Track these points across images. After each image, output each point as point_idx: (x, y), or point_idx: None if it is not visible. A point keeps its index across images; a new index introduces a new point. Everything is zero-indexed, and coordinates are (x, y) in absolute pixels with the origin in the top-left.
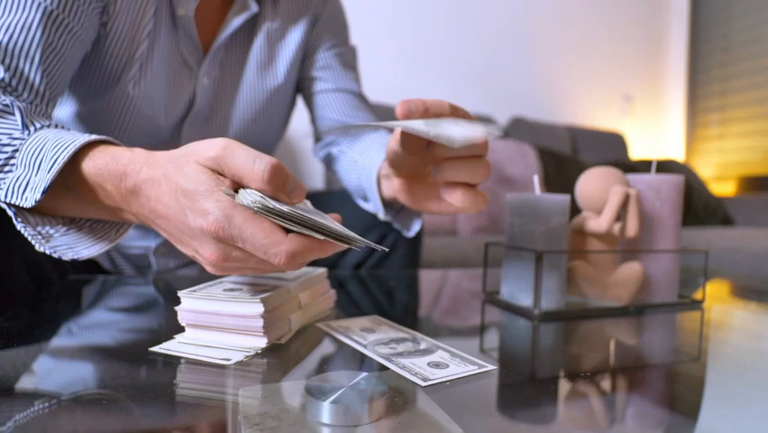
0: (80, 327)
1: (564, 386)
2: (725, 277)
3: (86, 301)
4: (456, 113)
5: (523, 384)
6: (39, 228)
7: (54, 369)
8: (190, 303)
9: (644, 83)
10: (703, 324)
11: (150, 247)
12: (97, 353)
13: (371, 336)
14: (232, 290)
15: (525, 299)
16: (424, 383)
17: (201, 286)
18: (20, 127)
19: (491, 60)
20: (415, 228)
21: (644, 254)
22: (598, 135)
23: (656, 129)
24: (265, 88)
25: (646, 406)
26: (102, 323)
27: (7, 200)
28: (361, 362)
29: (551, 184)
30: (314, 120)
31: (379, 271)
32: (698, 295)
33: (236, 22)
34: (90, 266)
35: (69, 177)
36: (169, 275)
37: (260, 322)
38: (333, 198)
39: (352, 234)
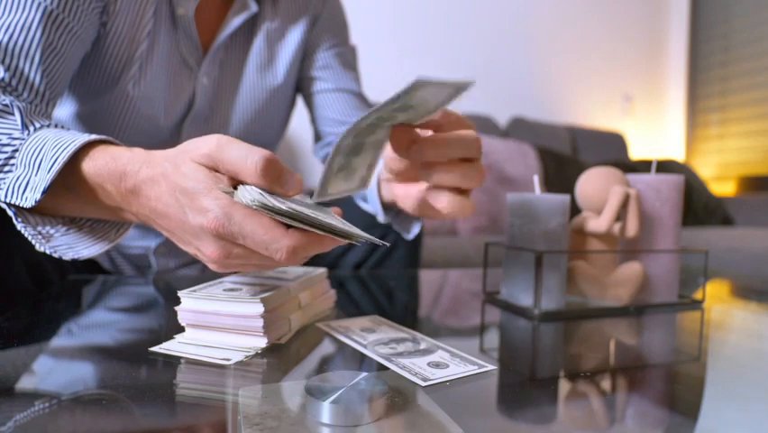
0: (80, 327)
1: (564, 386)
2: (725, 277)
3: (86, 301)
4: (446, 116)
5: (523, 384)
6: (39, 228)
7: (54, 369)
8: (190, 303)
9: (644, 83)
10: (703, 324)
11: (150, 247)
12: (97, 353)
13: (371, 336)
14: (232, 290)
15: (525, 299)
16: (424, 383)
17: (201, 286)
18: (20, 127)
19: (491, 60)
20: (414, 231)
21: (644, 254)
22: (598, 135)
23: (656, 129)
24: (265, 88)
25: (646, 406)
26: (102, 323)
27: (7, 200)
28: (361, 362)
29: (551, 184)
30: (314, 120)
31: (379, 271)
32: (698, 295)
33: (236, 21)
34: (90, 266)
35: (69, 177)
36: (169, 275)
37: (260, 322)
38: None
39: (353, 228)
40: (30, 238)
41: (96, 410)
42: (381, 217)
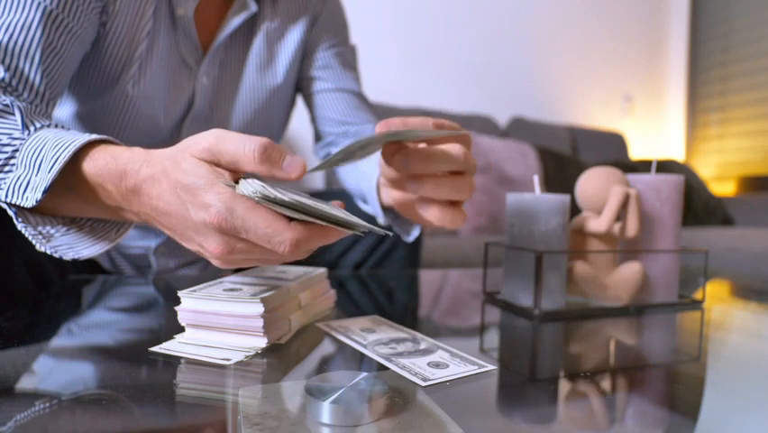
0: (80, 327)
1: (564, 386)
2: (725, 277)
3: (86, 301)
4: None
5: (523, 384)
6: (39, 228)
7: (54, 369)
8: (190, 303)
9: (644, 83)
10: (703, 324)
11: (150, 247)
12: (97, 353)
13: (371, 336)
14: (232, 290)
15: (525, 299)
16: (424, 383)
17: (201, 286)
18: (20, 127)
19: (491, 60)
20: (414, 234)
21: (644, 254)
22: (598, 135)
23: (656, 129)
24: (264, 88)
25: (646, 406)
26: (102, 323)
27: (8, 200)
28: (361, 362)
29: (551, 184)
30: (314, 120)
31: (379, 271)
32: (698, 295)
33: (235, 21)
34: (90, 266)
35: (70, 177)
36: (169, 275)
37: (260, 322)
38: (333, 198)
39: (355, 219)
40: (30, 238)
41: (96, 410)
42: (381, 219)
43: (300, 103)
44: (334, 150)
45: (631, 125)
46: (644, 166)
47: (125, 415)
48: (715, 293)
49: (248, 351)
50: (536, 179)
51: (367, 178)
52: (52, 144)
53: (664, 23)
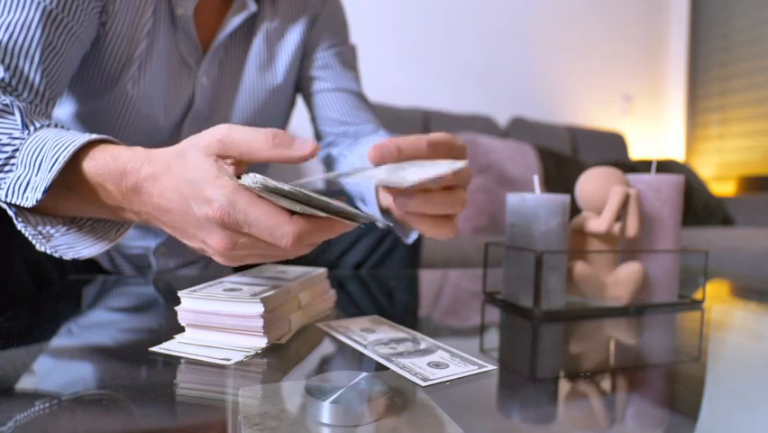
0: (80, 327)
1: (564, 386)
2: (725, 277)
3: (86, 301)
4: (434, 151)
5: (523, 384)
6: (39, 228)
7: (54, 369)
8: (190, 303)
9: (644, 83)
10: (703, 324)
11: (150, 247)
12: (97, 353)
13: (371, 336)
14: (232, 290)
15: (525, 299)
16: (424, 383)
17: (201, 286)
18: (20, 127)
19: (491, 60)
20: (413, 236)
21: (644, 254)
22: (598, 135)
23: (656, 129)
24: (264, 88)
25: (646, 406)
26: (102, 323)
27: (8, 200)
28: (361, 362)
29: (551, 184)
30: (314, 120)
31: (379, 271)
32: (698, 295)
33: (235, 21)
34: (90, 266)
35: (70, 176)
36: (169, 275)
37: (260, 322)
38: (333, 197)
39: (355, 210)
40: (30, 238)
41: (96, 410)
42: (380, 221)
43: (300, 103)
44: (334, 151)
45: (631, 125)
46: (644, 166)
47: (125, 415)
48: (715, 293)
49: (248, 351)
50: (536, 179)
51: (366, 180)
52: (52, 144)
53: (664, 23)
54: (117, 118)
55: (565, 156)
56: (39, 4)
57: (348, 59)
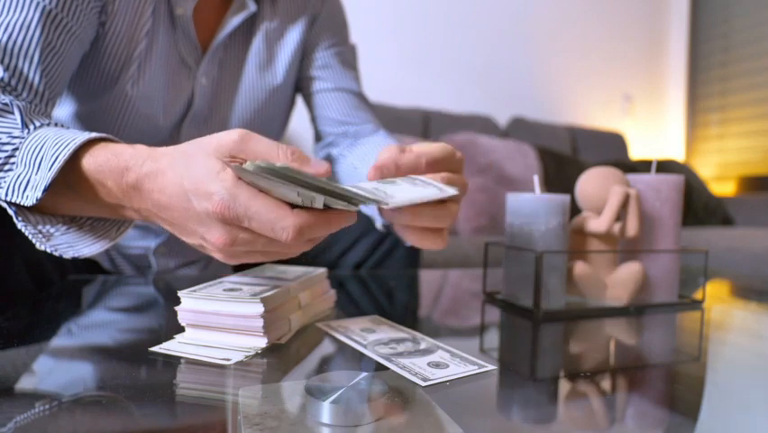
0: (80, 327)
1: (564, 386)
2: (725, 277)
3: (86, 301)
4: (433, 167)
5: (523, 384)
6: (39, 227)
7: (54, 369)
8: (190, 303)
9: (644, 83)
10: (703, 324)
11: (150, 247)
12: (97, 353)
13: (371, 336)
14: (232, 290)
15: (525, 299)
16: (424, 383)
17: (201, 286)
18: (19, 126)
19: (491, 60)
20: None
21: (644, 254)
22: (599, 135)
23: (656, 129)
24: (264, 88)
25: (646, 406)
26: (102, 323)
27: (8, 199)
28: (361, 362)
29: (551, 184)
30: (314, 120)
31: (379, 271)
32: (698, 295)
33: (234, 21)
34: (90, 266)
35: (70, 175)
36: (169, 275)
37: (260, 322)
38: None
39: (354, 189)
40: (30, 237)
41: (96, 411)
42: (378, 223)
43: (300, 103)
44: (334, 151)
45: (631, 125)
46: (644, 166)
47: (125, 415)
48: (715, 293)
49: (248, 351)
50: (536, 179)
51: (365, 180)
52: (52, 143)
53: (664, 23)
54: (117, 118)
55: (565, 156)
56: (38, 4)
57: (348, 59)
